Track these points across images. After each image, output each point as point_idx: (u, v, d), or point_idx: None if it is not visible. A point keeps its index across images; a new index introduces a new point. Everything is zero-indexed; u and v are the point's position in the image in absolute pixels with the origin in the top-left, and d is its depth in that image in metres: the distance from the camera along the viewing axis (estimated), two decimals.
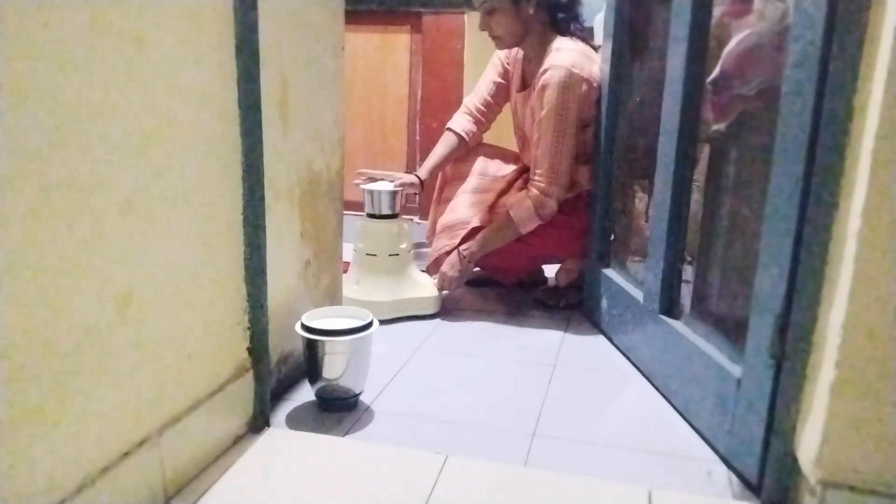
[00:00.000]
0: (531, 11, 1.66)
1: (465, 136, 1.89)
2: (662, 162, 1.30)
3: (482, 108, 1.90)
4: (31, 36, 0.65)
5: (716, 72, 1.16)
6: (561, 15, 1.70)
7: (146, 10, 0.79)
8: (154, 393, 0.87)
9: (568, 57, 1.64)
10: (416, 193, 1.84)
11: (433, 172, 1.87)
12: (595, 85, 1.66)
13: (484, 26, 1.71)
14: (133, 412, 0.83)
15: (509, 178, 1.89)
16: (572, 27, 1.71)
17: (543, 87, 1.64)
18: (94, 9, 0.72)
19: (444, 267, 1.76)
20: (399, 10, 2.47)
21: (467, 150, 1.93)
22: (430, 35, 2.45)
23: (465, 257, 1.75)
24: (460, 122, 1.91)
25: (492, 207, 1.82)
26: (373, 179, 1.77)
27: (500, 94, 1.90)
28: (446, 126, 1.92)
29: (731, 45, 1.13)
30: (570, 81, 1.62)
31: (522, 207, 1.69)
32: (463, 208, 1.86)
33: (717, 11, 1.19)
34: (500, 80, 1.89)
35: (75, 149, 0.71)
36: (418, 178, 1.82)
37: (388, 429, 1.18)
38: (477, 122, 1.91)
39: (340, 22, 1.36)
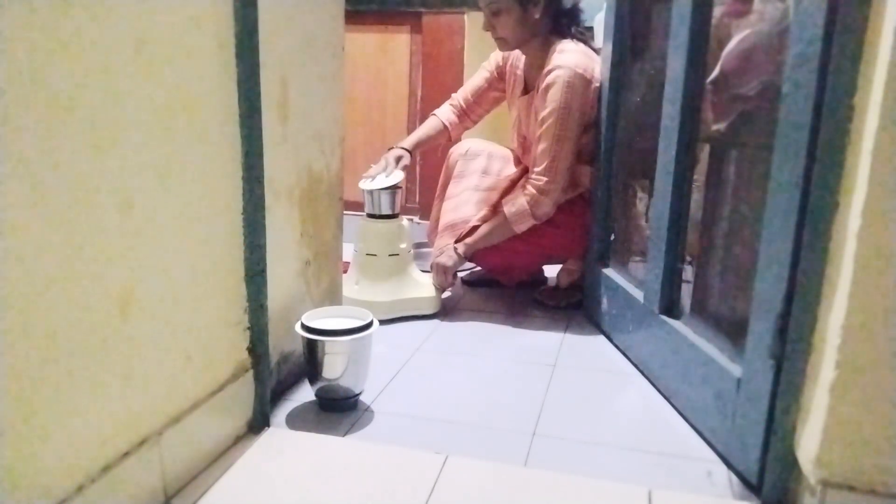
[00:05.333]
0: (537, 16, 1.66)
1: (447, 124, 1.92)
2: (662, 162, 1.30)
3: (463, 105, 1.93)
4: (31, 36, 0.65)
5: (716, 72, 1.16)
6: (564, 19, 1.71)
7: (146, 11, 0.79)
8: (154, 393, 0.87)
9: (572, 58, 1.64)
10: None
11: (416, 146, 1.89)
12: (597, 86, 1.66)
13: (488, 27, 1.71)
14: (133, 412, 0.83)
15: (513, 177, 1.89)
16: (573, 30, 1.72)
17: (548, 87, 1.64)
18: (94, 9, 0.72)
19: (439, 257, 1.77)
20: (399, 10, 2.47)
21: (448, 139, 1.95)
22: (430, 35, 2.45)
23: (457, 250, 1.76)
24: (444, 111, 1.94)
25: (494, 207, 1.82)
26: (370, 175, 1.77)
27: (485, 97, 1.93)
28: (432, 113, 1.95)
29: (731, 45, 1.13)
30: (575, 82, 1.62)
31: (517, 206, 1.69)
32: (465, 207, 1.86)
33: (717, 11, 1.19)
34: (487, 85, 1.92)
35: (75, 148, 0.71)
36: (405, 150, 1.83)
37: (388, 429, 1.18)
38: (459, 115, 1.94)
39: (340, 22, 1.36)
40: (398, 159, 1.79)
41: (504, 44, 1.73)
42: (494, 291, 1.98)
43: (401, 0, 2.45)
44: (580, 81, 1.63)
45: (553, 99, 1.63)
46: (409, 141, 1.89)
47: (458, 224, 1.84)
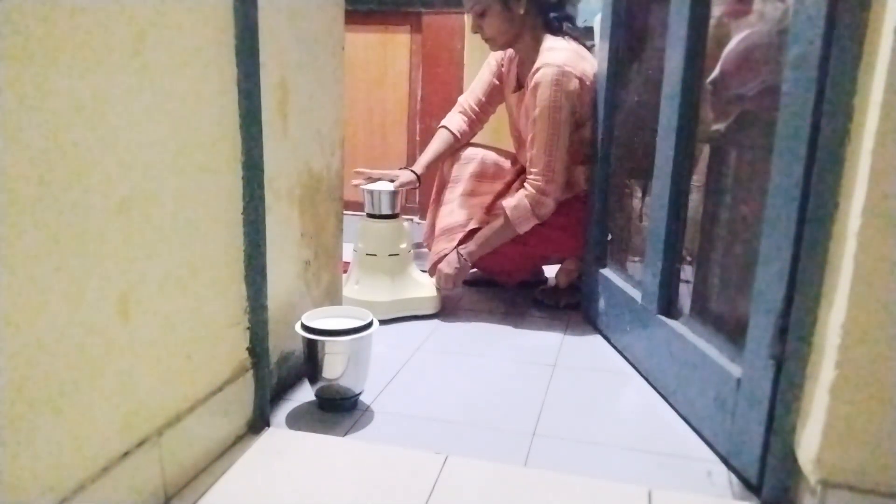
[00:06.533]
0: (521, 12, 1.66)
1: (458, 134, 1.91)
2: (661, 162, 1.30)
3: (476, 107, 1.92)
4: (31, 36, 0.65)
5: (716, 72, 1.16)
6: (552, 14, 1.71)
7: (145, 11, 0.79)
8: (154, 393, 0.87)
9: (560, 55, 1.64)
10: (415, 189, 1.86)
11: (429, 167, 1.88)
12: (588, 83, 1.66)
13: (476, 29, 1.72)
14: (133, 412, 0.83)
15: (507, 179, 1.89)
16: (564, 27, 1.72)
17: (536, 86, 1.64)
18: (94, 9, 0.72)
19: (442, 265, 1.77)
20: (399, 10, 2.47)
21: (460, 146, 1.93)
22: (430, 35, 2.46)
23: (462, 257, 1.75)
24: (455, 120, 1.92)
25: (489, 209, 1.83)
26: (371, 179, 1.77)
27: (495, 94, 1.92)
28: (441, 124, 1.93)
29: (731, 45, 1.13)
30: (563, 79, 1.62)
31: (519, 207, 1.69)
32: (461, 211, 1.86)
33: (717, 11, 1.19)
34: (494, 80, 1.90)
35: (75, 148, 0.71)
36: (415, 173, 1.83)
37: (388, 429, 1.18)
38: (470, 122, 1.92)
39: (340, 22, 1.36)
40: (404, 182, 1.79)
41: (493, 44, 1.74)
42: (494, 291, 1.98)
43: (401, 0, 2.45)
44: (567, 78, 1.62)
45: (542, 99, 1.63)
46: (421, 163, 1.87)
47: (455, 227, 1.84)
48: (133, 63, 0.78)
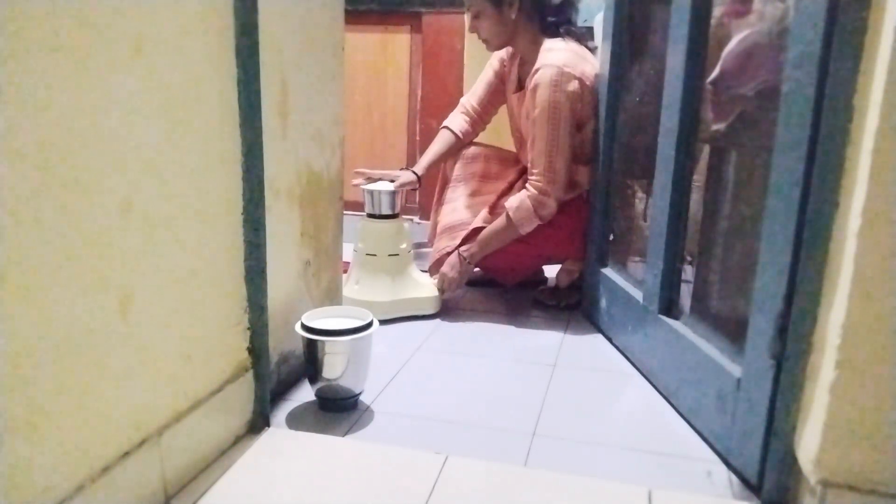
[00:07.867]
0: (513, 16, 1.67)
1: (460, 135, 1.91)
2: (662, 162, 1.30)
3: (478, 107, 1.92)
4: (31, 36, 0.65)
5: (716, 72, 1.16)
6: (550, 18, 1.71)
7: (146, 10, 0.79)
8: (154, 393, 0.87)
9: (559, 56, 1.64)
10: (415, 189, 1.85)
11: (430, 169, 1.88)
12: (588, 84, 1.66)
13: (473, 29, 1.74)
14: (133, 412, 0.83)
15: (510, 179, 1.89)
16: (562, 30, 1.72)
17: (535, 87, 1.65)
18: (94, 9, 0.72)
19: (445, 268, 1.77)
20: (399, 10, 2.47)
21: (462, 147, 1.93)
22: (430, 35, 2.46)
23: (465, 258, 1.75)
24: (456, 121, 1.92)
25: (492, 208, 1.83)
26: (371, 179, 1.77)
27: (497, 94, 1.92)
28: (442, 124, 1.93)
29: (731, 45, 1.13)
30: (562, 80, 1.62)
31: (521, 208, 1.69)
32: (464, 209, 1.86)
33: (717, 11, 1.19)
34: (496, 80, 1.91)
35: (75, 149, 0.71)
36: (416, 174, 1.83)
37: (388, 429, 1.18)
38: (472, 122, 1.93)
39: (340, 22, 1.36)
40: (404, 182, 1.78)
41: (488, 45, 1.76)
42: (494, 291, 1.98)
43: (401, 0, 2.46)
44: (566, 79, 1.63)
45: (541, 100, 1.64)
46: (422, 164, 1.87)
47: (457, 226, 1.84)
48: (133, 63, 0.78)
